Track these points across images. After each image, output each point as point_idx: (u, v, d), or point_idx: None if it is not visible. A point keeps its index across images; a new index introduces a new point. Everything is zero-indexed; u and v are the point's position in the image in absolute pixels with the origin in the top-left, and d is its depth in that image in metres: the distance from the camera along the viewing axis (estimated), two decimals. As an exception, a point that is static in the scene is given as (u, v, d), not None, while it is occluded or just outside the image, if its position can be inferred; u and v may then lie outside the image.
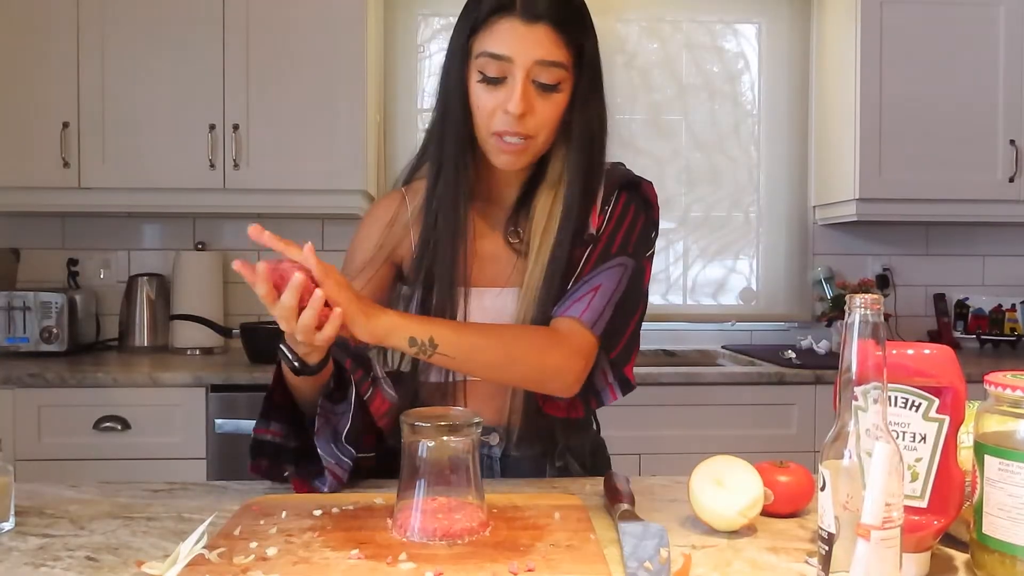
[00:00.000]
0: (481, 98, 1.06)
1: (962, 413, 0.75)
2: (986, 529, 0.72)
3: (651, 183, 1.19)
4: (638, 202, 1.16)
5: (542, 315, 1.09)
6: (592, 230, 1.13)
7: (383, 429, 1.07)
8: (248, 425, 2.20)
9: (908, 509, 0.72)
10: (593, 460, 1.25)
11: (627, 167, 1.20)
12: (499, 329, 1.07)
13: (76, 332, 2.57)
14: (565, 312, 1.08)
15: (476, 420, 0.87)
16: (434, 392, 1.16)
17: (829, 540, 0.66)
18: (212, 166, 2.51)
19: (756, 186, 3.04)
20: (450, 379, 1.13)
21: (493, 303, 1.14)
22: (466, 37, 1.06)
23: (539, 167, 1.14)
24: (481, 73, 1.05)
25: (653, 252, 1.20)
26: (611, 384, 1.16)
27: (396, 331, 0.95)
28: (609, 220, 1.14)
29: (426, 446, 0.85)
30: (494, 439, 1.16)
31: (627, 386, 1.17)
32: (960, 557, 0.81)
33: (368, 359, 1.06)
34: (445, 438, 0.84)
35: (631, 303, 1.13)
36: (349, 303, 0.92)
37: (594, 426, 1.29)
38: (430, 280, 1.12)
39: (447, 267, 1.11)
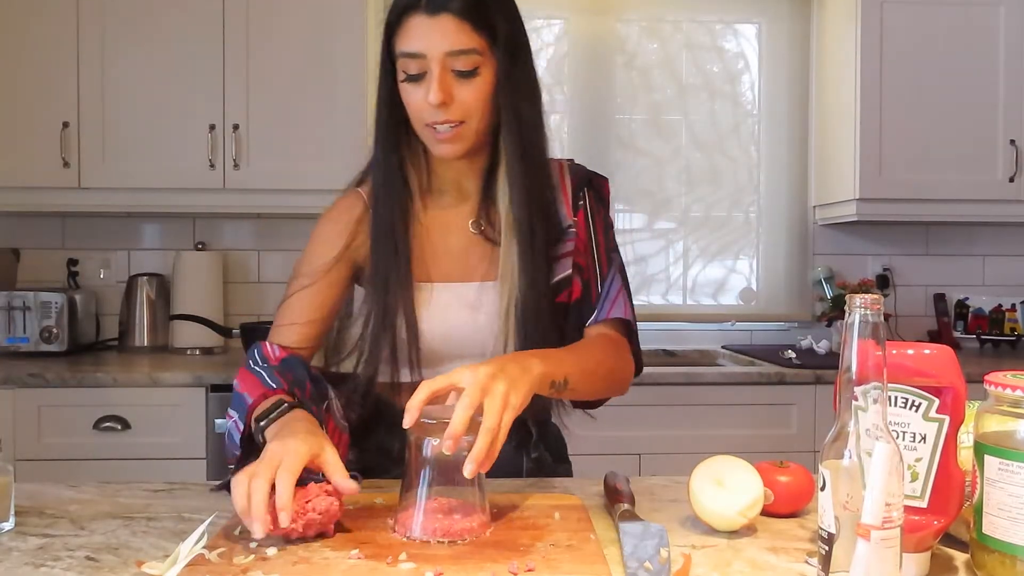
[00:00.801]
0: (409, 96, 1.09)
1: (962, 413, 0.75)
2: (986, 529, 0.72)
3: (607, 179, 1.25)
4: (599, 199, 1.22)
5: (526, 302, 1.11)
6: (570, 221, 1.18)
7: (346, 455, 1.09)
8: (248, 425, 2.21)
9: (908, 509, 0.72)
10: (557, 447, 1.29)
11: (579, 164, 1.26)
12: (591, 348, 1.12)
13: (76, 332, 2.57)
14: (614, 315, 1.16)
15: (479, 418, 0.87)
16: (388, 391, 1.17)
17: (829, 540, 0.66)
18: (212, 166, 2.51)
19: (756, 186, 3.04)
20: (397, 379, 1.15)
21: (478, 297, 1.15)
22: (387, 40, 1.10)
23: (495, 155, 1.16)
24: (404, 73, 1.08)
25: None
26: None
27: (542, 386, 0.96)
28: (590, 217, 1.19)
29: (431, 443, 0.85)
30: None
31: (639, 367, 1.23)
32: (960, 557, 0.81)
33: (325, 390, 1.11)
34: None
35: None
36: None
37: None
38: (383, 277, 1.13)
39: (392, 261, 1.12)
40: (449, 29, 1.05)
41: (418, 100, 1.08)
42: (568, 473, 1.29)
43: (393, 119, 1.14)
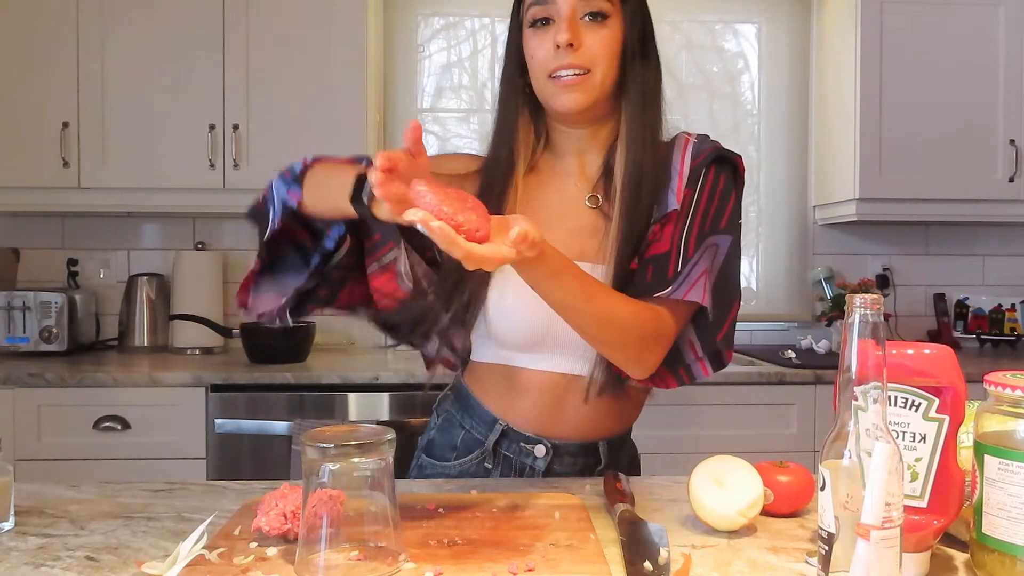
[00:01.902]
0: (535, 43, 1.08)
1: (962, 413, 0.75)
2: (986, 529, 0.72)
3: (740, 156, 1.17)
4: (725, 178, 1.12)
5: (616, 286, 1.04)
6: (676, 204, 1.08)
7: (376, 306, 1.10)
8: (248, 425, 2.21)
9: (908, 509, 0.72)
10: (629, 472, 1.23)
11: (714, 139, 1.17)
12: (618, 299, 1.00)
13: (76, 332, 2.57)
14: (690, 297, 1.03)
15: (389, 437, 0.76)
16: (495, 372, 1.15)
17: (829, 540, 0.66)
18: (212, 166, 2.51)
19: (756, 186, 3.03)
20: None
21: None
22: (517, 4, 1.11)
23: (616, 130, 1.13)
24: (532, 19, 1.08)
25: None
26: (701, 359, 1.13)
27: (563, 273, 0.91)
28: (697, 196, 1.09)
29: (328, 469, 0.73)
30: (540, 451, 1.13)
31: (719, 362, 1.14)
32: (960, 557, 0.81)
33: (398, 241, 1.07)
34: (356, 459, 0.73)
35: (734, 281, 1.15)
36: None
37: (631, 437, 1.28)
38: None
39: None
40: None
41: (544, 48, 1.07)
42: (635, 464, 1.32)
43: (518, 81, 1.12)
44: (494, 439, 1.14)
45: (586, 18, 1.06)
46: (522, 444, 1.14)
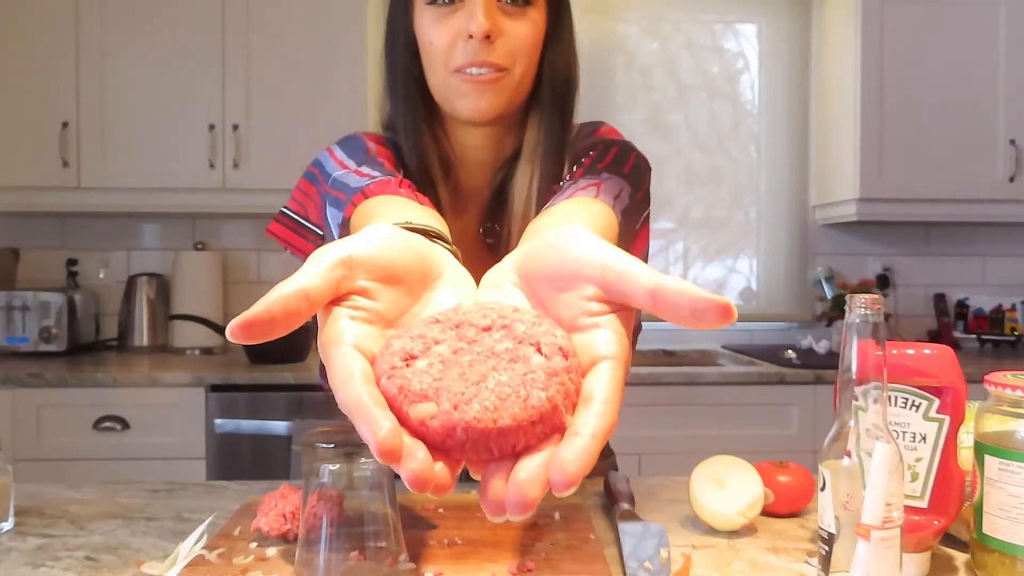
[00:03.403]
0: (434, 28, 0.86)
1: (962, 413, 0.74)
2: (986, 529, 0.72)
3: (611, 126, 1.00)
4: (620, 145, 0.93)
5: None
6: None
7: None
8: (248, 425, 2.21)
9: (908, 509, 0.71)
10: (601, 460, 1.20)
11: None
12: None
13: (75, 332, 2.57)
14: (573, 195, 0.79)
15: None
16: None
17: (829, 540, 0.66)
18: (212, 166, 2.51)
19: (756, 186, 3.04)
20: None
21: None
22: None
23: (517, 142, 0.95)
24: (427, 1, 0.87)
25: (649, 207, 0.95)
26: None
27: None
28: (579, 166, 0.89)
29: (328, 470, 0.71)
30: None
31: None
32: (960, 557, 0.80)
33: None
34: (356, 459, 0.71)
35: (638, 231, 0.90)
36: None
37: None
38: None
39: None
40: None
41: (447, 36, 0.86)
42: (612, 467, 1.17)
43: (413, 70, 0.90)
44: None
45: (505, 0, 0.86)
46: None
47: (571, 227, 0.50)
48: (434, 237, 0.56)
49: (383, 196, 0.73)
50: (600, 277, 0.45)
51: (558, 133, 0.93)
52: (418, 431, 0.41)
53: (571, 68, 0.95)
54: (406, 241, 0.50)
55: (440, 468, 0.40)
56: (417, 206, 0.69)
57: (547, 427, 0.41)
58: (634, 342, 0.96)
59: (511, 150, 0.95)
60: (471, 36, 0.84)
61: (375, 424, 0.39)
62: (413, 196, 0.73)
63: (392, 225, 0.51)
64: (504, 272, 0.51)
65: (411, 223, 0.55)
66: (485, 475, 0.41)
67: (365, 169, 0.83)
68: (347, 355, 0.43)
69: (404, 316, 0.48)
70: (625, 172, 0.87)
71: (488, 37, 0.84)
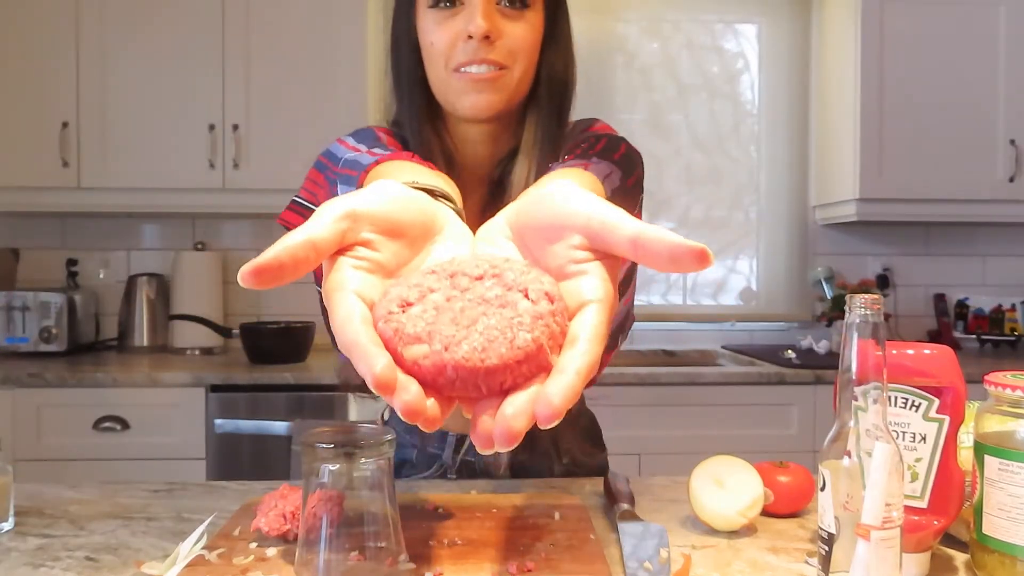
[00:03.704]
0: (435, 29, 0.89)
1: (962, 413, 0.74)
2: (986, 529, 0.72)
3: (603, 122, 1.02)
4: (609, 137, 0.95)
5: None
6: None
7: None
8: (248, 425, 2.21)
9: (908, 509, 0.71)
10: (590, 436, 1.20)
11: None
12: None
13: (75, 332, 2.57)
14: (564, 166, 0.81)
15: (389, 437, 0.73)
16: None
17: (829, 540, 0.66)
18: (212, 166, 2.51)
19: (756, 186, 3.04)
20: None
21: None
22: None
23: (516, 140, 0.97)
24: (429, 4, 0.89)
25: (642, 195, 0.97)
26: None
27: None
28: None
29: (328, 469, 0.71)
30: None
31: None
32: (960, 557, 0.80)
33: None
34: (356, 459, 0.71)
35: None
36: None
37: (583, 400, 1.21)
38: None
39: None
40: None
41: (448, 36, 0.88)
42: (604, 463, 1.19)
43: (416, 73, 0.92)
44: (450, 451, 1.10)
45: (504, 3, 0.88)
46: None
47: (561, 182, 0.53)
48: (439, 197, 0.59)
49: (395, 162, 0.74)
50: (585, 227, 0.48)
51: (555, 130, 0.95)
52: (411, 370, 0.45)
53: (568, 69, 0.97)
54: (410, 197, 0.53)
55: (431, 404, 0.44)
56: (427, 170, 0.70)
57: (533, 366, 0.44)
58: (626, 328, 0.96)
59: (510, 147, 0.97)
60: (470, 37, 0.87)
61: (372, 360, 0.42)
62: (425, 164, 0.75)
63: (398, 182, 0.54)
64: (497, 227, 0.55)
65: (417, 182, 0.58)
66: (475, 411, 0.45)
67: (377, 150, 0.85)
68: (348, 300, 0.46)
69: (405, 268, 0.51)
70: (615, 158, 0.89)
71: (487, 37, 0.87)
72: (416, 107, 0.95)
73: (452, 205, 0.60)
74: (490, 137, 0.97)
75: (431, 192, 0.58)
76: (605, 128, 1.01)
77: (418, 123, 0.94)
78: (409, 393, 0.43)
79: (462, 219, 0.58)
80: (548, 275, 0.48)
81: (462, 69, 0.89)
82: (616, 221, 0.47)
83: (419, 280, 0.48)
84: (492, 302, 0.46)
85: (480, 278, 0.48)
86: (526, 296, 0.46)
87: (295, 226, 0.95)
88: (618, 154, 0.91)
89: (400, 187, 0.53)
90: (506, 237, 0.54)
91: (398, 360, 0.44)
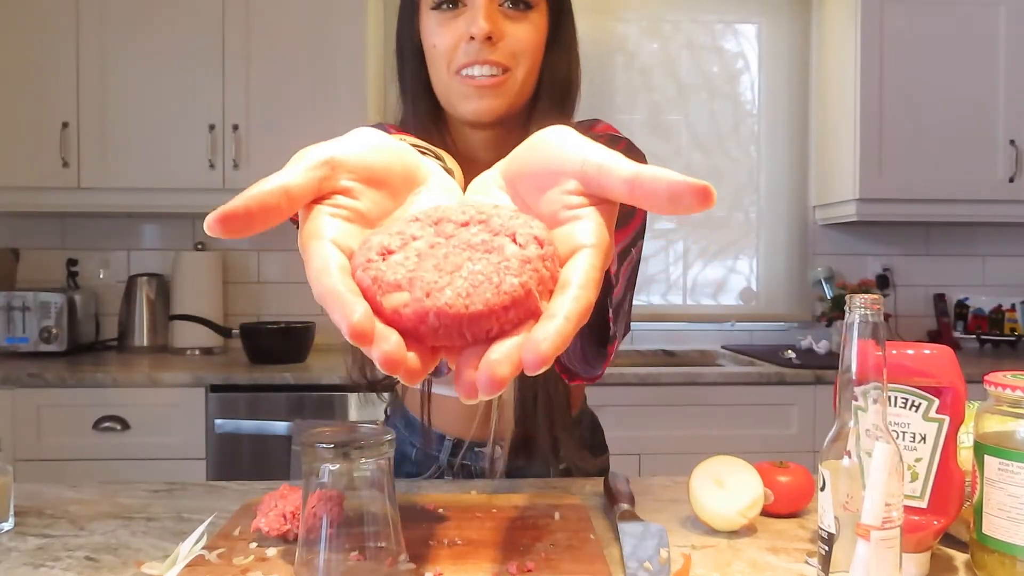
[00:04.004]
0: (438, 31, 0.89)
1: (962, 413, 0.74)
2: (986, 529, 0.72)
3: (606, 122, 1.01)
4: (610, 136, 0.95)
5: None
6: None
7: None
8: (248, 425, 2.21)
9: (908, 509, 0.72)
10: (593, 438, 1.19)
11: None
12: None
13: (75, 332, 2.57)
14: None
15: (389, 437, 0.73)
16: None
17: (829, 540, 0.66)
18: (212, 166, 2.51)
19: (756, 186, 3.04)
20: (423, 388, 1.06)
21: None
22: None
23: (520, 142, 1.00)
24: (432, 5, 0.90)
25: None
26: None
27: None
28: None
29: (328, 469, 0.71)
30: (496, 452, 1.11)
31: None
32: (960, 557, 0.80)
33: None
34: (356, 459, 0.71)
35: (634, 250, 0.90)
36: None
37: (584, 401, 1.21)
38: None
39: None
40: None
41: (451, 38, 0.88)
42: (604, 466, 1.19)
43: (422, 75, 0.92)
44: (447, 454, 1.11)
45: (506, 5, 0.88)
46: (476, 450, 1.11)
47: (555, 127, 0.50)
48: (427, 153, 0.56)
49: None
50: (580, 171, 0.45)
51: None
52: (392, 320, 0.42)
53: (572, 71, 0.96)
54: (391, 146, 0.50)
55: (412, 356, 0.41)
56: (429, 146, 0.68)
57: (521, 313, 0.41)
58: (627, 327, 0.95)
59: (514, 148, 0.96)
60: (472, 38, 0.86)
61: (348, 308, 0.39)
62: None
63: (378, 131, 0.51)
64: (490, 177, 0.52)
65: (404, 139, 0.55)
66: (459, 360, 0.42)
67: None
68: (325, 248, 0.43)
69: (387, 219, 0.48)
70: (618, 150, 0.85)
71: (489, 39, 0.86)
72: (421, 111, 0.94)
73: (441, 164, 0.58)
74: (493, 142, 0.96)
75: (419, 149, 0.56)
76: (607, 129, 1.00)
77: (423, 127, 0.94)
78: (388, 343, 0.40)
79: (454, 178, 0.56)
80: (538, 220, 0.46)
81: (464, 71, 0.88)
82: (612, 163, 0.44)
83: (401, 228, 0.45)
84: (478, 247, 0.44)
85: (466, 224, 0.45)
86: (514, 240, 0.44)
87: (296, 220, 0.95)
88: (619, 148, 0.88)
89: (384, 135, 0.50)
90: (499, 187, 0.51)
91: (377, 310, 0.42)
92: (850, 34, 2.71)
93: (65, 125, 2.48)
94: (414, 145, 0.55)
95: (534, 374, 0.39)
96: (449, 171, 0.57)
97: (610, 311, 0.73)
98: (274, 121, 2.52)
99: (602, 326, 0.76)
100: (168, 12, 2.50)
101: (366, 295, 0.42)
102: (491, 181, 0.52)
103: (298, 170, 0.45)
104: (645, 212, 0.93)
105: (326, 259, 0.42)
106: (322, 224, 0.44)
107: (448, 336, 0.42)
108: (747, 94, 3.05)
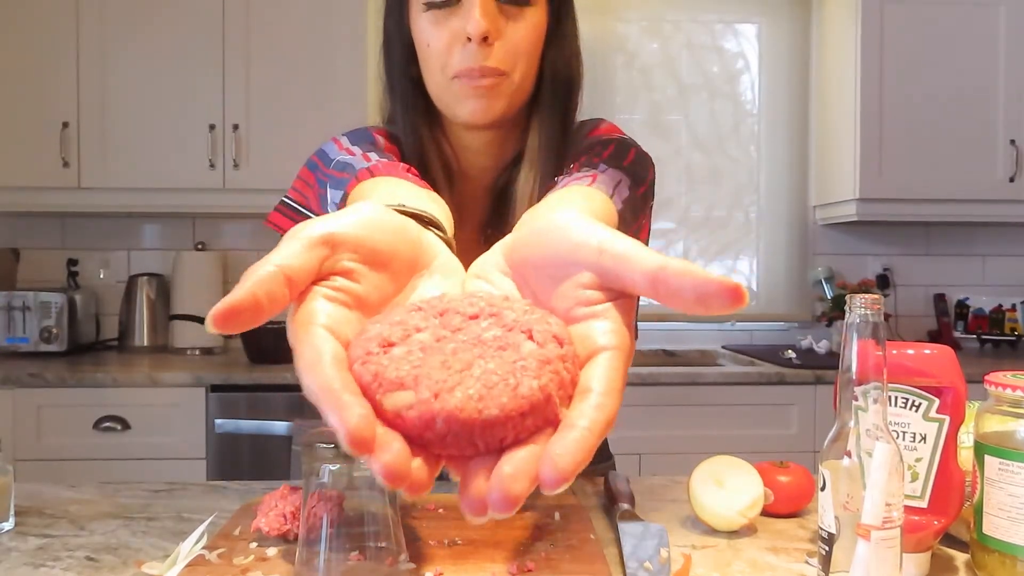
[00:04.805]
0: (430, 35, 0.84)
1: (962, 413, 0.74)
2: (986, 529, 0.72)
3: (611, 122, 0.97)
4: (618, 142, 0.90)
5: None
6: None
7: None
8: (248, 425, 2.21)
9: (908, 509, 0.71)
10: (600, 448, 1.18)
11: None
12: None
13: (76, 332, 2.57)
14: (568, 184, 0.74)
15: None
16: None
17: (829, 540, 0.66)
18: (212, 166, 2.51)
19: (756, 186, 3.04)
20: None
21: None
22: None
23: (520, 144, 0.93)
24: (425, 4, 0.85)
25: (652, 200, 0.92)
26: None
27: None
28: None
29: (328, 469, 0.69)
30: None
31: None
32: (960, 557, 0.80)
33: None
34: (356, 459, 0.67)
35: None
36: None
37: None
38: None
39: None
40: None
41: (445, 39, 0.83)
42: (611, 470, 1.14)
43: (410, 72, 0.88)
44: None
45: (503, 1, 0.84)
46: None
47: (564, 211, 0.45)
48: (428, 224, 0.52)
49: (388, 177, 0.68)
50: (596, 263, 0.41)
51: (560, 135, 0.91)
52: (394, 423, 0.37)
53: (573, 68, 0.92)
54: (395, 223, 0.46)
55: (418, 464, 0.36)
56: (420, 190, 0.64)
57: (539, 420, 0.37)
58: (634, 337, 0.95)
59: (513, 153, 0.93)
60: (469, 39, 0.82)
61: (345, 410, 0.35)
62: (419, 182, 0.68)
63: (382, 205, 0.47)
64: (493, 261, 0.48)
65: (404, 206, 0.51)
66: (467, 470, 0.37)
67: (373, 155, 0.79)
68: (318, 336, 0.39)
69: (387, 305, 0.44)
70: (624, 165, 0.84)
71: (486, 39, 0.82)
72: (411, 111, 0.90)
73: (443, 235, 0.53)
74: (491, 144, 0.93)
75: (419, 219, 0.51)
76: (612, 130, 0.96)
77: (413, 130, 0.90)
78: (391, 452, 0.35)
79: (451, 250, 0.52)
80: (555, 316, 0.41)
81: (462, 76, 0.84)
82: (635, 255, 0.39)
83: (403, 317, 0.40)
84: (490, 344, 0.39)
85: (475, 317, 0.40)
86: (530, 338, 0.39)
87: (284, 230, 0.94)
88: (627, 160, 0.86)
89: (385, 211, 0.46)
90: (502, 273, 0.47)
91: (377, 411, 0.37)
92: (850, 34, 2.71)
93: (65, 125, 2.48)
94: (411, 213, 0.51)
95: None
96: (448, 243, 0.53)
97: None
98: (274, 121, 2.52)
99: None
100: (168, 12, 2.50)
101: (365, 393, 0.38)
102: (493, 265, 0.47)
103: (296, 250, 0.40)
104: (648, 232, 0.92)
105: (319, 349, 0.38)
106: (316, 308, 0.40)
107: (457, 444, 0.37)
108: (747, 94, 3.05)
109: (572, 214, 0.44)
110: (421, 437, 0.37)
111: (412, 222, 0.48)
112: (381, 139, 0.91)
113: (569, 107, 0.93)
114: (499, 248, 0.48)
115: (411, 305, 0.42)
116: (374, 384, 0.37)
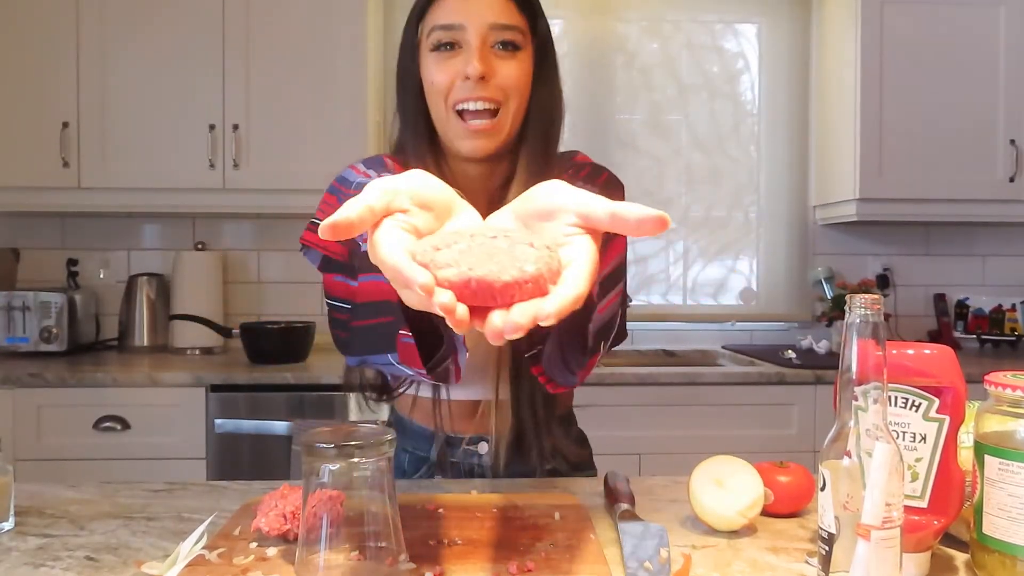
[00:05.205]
0: (437, 69, 1.00)
1: (962, 413, 0.75)
2: (986, 529, 0.72)
3: (604, 171, 1.09)
4: (592, 165, 1.07)
5: (517, 347, 0.96)
6: None
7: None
8: (248, 425, 2.21)
9: (908, 509, 0.72)
10: (579, 451, 1.22)
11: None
12: None
13: (76, 332, 2.57)
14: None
15: (389, 437, 0.74)
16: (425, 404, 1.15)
17: (829, 540, 0.66)
18: (212, 166, 2.51)
19: (756, 186, 3.04)
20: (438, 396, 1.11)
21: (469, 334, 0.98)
22: (416, 22, 1.03)
23: (510, 170, 1.06)
24: (434, 44, 1.00)
25: None
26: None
27: None
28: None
29: (328, 469, 0.72)
30: (483, 448, 1.14)
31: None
32: (960, 557, 0.80)
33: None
34: (356, 459, 0.71)
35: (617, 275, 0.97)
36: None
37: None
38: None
39: None
40: (493, 2, 0.99)
41: (448, 76, 0.99)
42: (587, 460, 1.24)
43: (422, 106, 1.03)
44: (436, 451, 1.14)
45: (497, 47, 1.00)
46: (465, 447, 1.14)
47: (555, 181, 0.65)
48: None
49: None
50: (576, 209, 0.61)
51: (544, 162, 1.05)
52: (442, 287, 0.55)
53: (555, 103, 1.07)
54: (436, 182, 0.65)
55: (462, 307, 0.54)
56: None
57: (535, 289, 0.56)
58: (611, 335, 0.97)
59: (504, 176, 1.07)
60: (468, 77, 0.97)
61: (417, 273, 0.54)
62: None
63: (427, 173, 0.66)
64: (503, 213, 0.67)
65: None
66: (490, 317, 0.55)
67: (386, 175, 0.86)
68: (395, 234, 0.57)
69: (432, 234, 0.63)
70: (599, 182, 1.03)
71: (482, 78, 0.98)
72: (420, 140, 1.05)
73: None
74: (486, 171, 1.07)
75: None
76: (586, 159, 1.11)
77: (420, 156, 1.04)
78: (446, 295, 0.54)
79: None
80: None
81: (459, 106, 0.99)
82: (597, 202, 0.60)
83: (445, 236, 0.60)
84: (504, 249, 0.58)
85: (494, 237, 0.59)
86: (531, 246, 0.58)
87: (317, 246, 1.03)
88: (601, 180, 1.05)
89: (429, 175, 0.65)
90: (510, 220, 0.65)
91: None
92: (850, 34, 2.71)
93: (65, 125, 2.48)
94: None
95: (545, 324, 0.53)
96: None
97: (590, 327, 0.84)
98: (274, 121, 2.52)
99: (583, 340, 0.86)
100: (168, 12, 2.50)
101: None
102: (504, 215, 0.66)
103: (376, 194, 0.59)
104: (625, 248, 1.03)
105: (395, 244, 0.56)
106: (391, 228, 0.59)
107: (483, 298, 0.55)
108: (747, 94, 3.05)
109: (559, 183, 0.64)
110: (460, 295, 0.55)
111: (449, 187, 0.67)
112: (392, 163, 1.05)
113: (551, 138, 1.07)
114: (509, 207, 0.66)
115: (451, 231, 0.61)
116: (430, 266, 0.56)
